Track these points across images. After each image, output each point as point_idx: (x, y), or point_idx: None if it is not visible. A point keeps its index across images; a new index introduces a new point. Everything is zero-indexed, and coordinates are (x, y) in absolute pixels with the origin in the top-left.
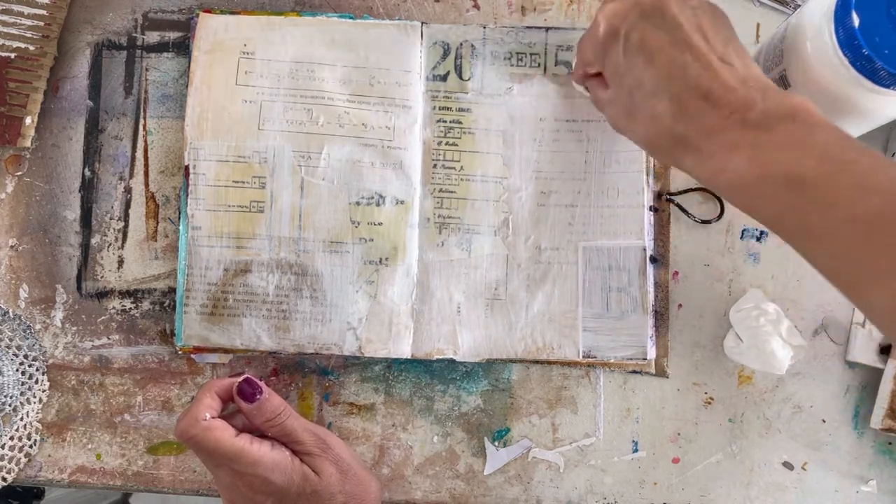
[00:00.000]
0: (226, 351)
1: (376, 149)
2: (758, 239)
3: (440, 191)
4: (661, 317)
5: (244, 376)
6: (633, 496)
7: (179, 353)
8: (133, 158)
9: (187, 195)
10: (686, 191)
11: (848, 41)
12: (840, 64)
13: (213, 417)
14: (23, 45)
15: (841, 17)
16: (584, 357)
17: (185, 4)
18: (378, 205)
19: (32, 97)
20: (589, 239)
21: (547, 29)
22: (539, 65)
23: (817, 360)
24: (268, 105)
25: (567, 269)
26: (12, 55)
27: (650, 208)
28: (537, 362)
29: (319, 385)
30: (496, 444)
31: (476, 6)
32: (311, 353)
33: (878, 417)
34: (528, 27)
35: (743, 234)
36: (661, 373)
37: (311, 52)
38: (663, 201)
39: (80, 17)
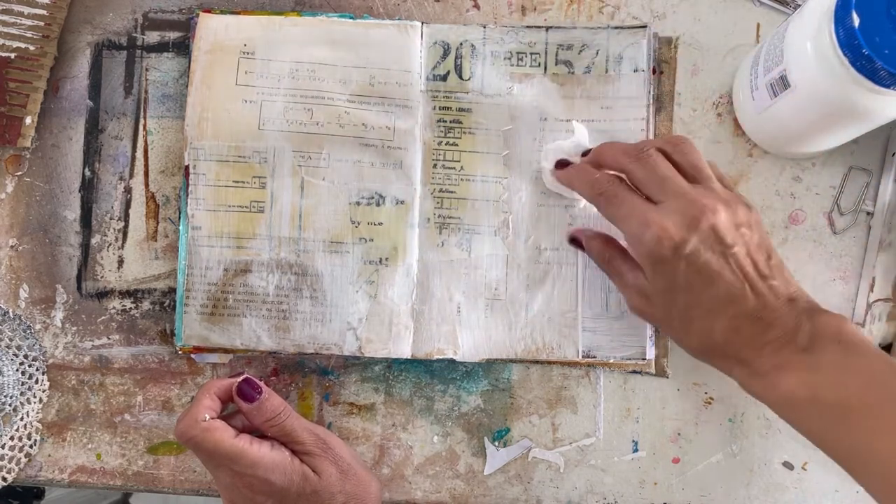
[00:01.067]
0: (226, 351)
1: (376, 149)
2: None
3: (440, 191)
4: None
5: (244, 376)
6: (633, 496)
7: (179, 353)
8: (133, 158)
9: (187, 195)
10: None
11: (848, 41)
12: (840, 64)
13: (212, 418)
14: (23, 45)
15: (841, 17)
16: (583, 357)
17: (185, 4)
18: (378, 205)
19: (32, 97)
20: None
21: (547, 28)
22: (539, 64)
23: None
24: (268, 105)
25: (567, 270)
26: (12, 55)
27: None
28: (537, 362)
29: (319, 385)
30: (496, 444)
31: (476, 6)
32: (311, 354)
33: None
34: (528, 27)
35: None
36: (660, 373)
37: (312, 52)
38: None
39: (80, 17)
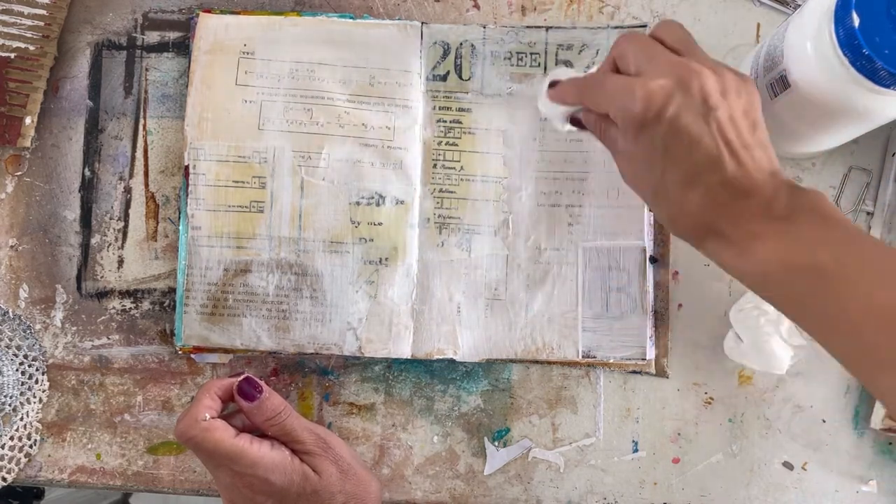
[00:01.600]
0: (226, 351)
1: (376, 149)
2: None
3: (440, 191)
4: (660, 317)
5: (244, 376)
6: (633, 496)
7: (179, 353)
8: (133, 158)
9: (187, 195)
10: None
11: (848, 41)
12: (840, 64)
13: (212, 418)
14: (23, 45)
15: (841, 17)
16: (583, 357)
17: (185, 4)
18: (378, 205)
19: (32, 97)
20: (589, 239)
21: (547, 28)
22: (539, 64)
23: (817, 359)
24: (268, 105)
25: (567, 270)
26: (12, 55)
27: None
28: (537, 362)
29: (319, 385)
30: (496, 444)
31: (476, 6)
32: (311, 354)
33: (878, 417)
34: (527, 27)
35: None
36: (661, 373)
37: (312, 52)
38: None
39: (80, 17)
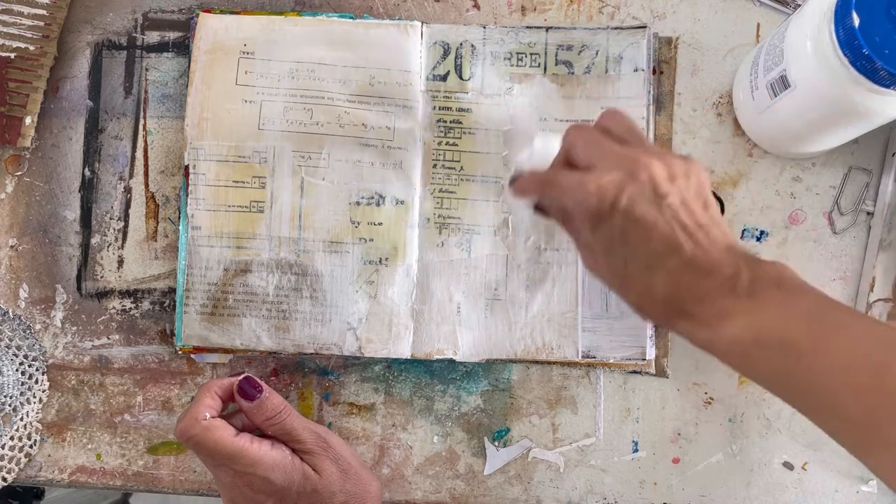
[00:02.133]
0: (226, 351)
1: (376, 149)
2: (758, 239)
3: (440, 191)
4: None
5: (244, 375)
6: (633, 496)
7: (179, 353)
8: (133, 158)
9: (187, 195)
10: None
11: (848, 41)
12: (840, 64)
13: (213, 417)
14: (23, 45)
15: (841, 17)
16: (583, 357)
17: (184, 4)
18: (378, 205)
19: (32, 97)
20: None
21: (547, 28)
22: (539, 65)
23: None
24: (268, 105)
25: (566, 270)
26: (12, 55)
27: None
28: (537, 362)
29: (319, 385)
30: (496, 444)
31: (476, 6)
32: (311, 353)
33: None
34: (527, 27)
35: (743, 234)
36: (660, 373)
37: (312, 52)
38: None
39: (80, 17)
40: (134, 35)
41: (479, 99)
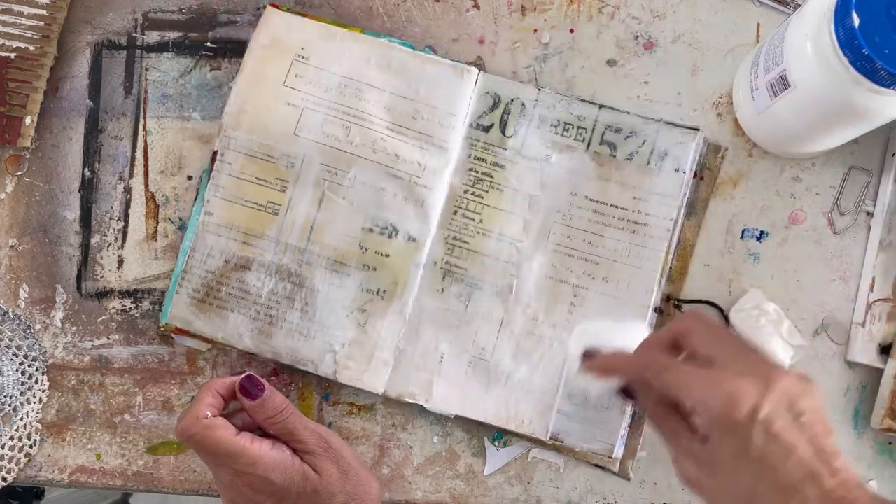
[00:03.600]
0: (205, 340)
1: (402, 181)
2: (758, 239)
3: (454, 238)
4: (637, 419)
5: (246, 374)
6: (633, 496)
7: (161, 329)
8: (133, 158)
9: (209, 179)
10: (696, 301)
11: (848, 41)
12: (840, 64)
13: (214, 416)
14: (23, 45)
15: (841, 17)
16: (551, 439)
17: (185, 4)
18: (390, 236)
19: (32, 97)
20: (587, 325)
21: (601, 106)
22: (584, 140)
23: (817, 360)
24: (309, 113)
25: (558, 348)
26: (12, 55)
27: (655, 309)
28: (505, 432)
29: (319, 385)
30: (496, 444)
31: (476, 6)
32: (286, 365)
33: (878, 417)
34: (582, 100)
35: (743, 234)
36: (623, 474)
37: (365, 71)
38: (670, 305)
39: (80, 17)
40: (134, 35)
41: (515, 158)
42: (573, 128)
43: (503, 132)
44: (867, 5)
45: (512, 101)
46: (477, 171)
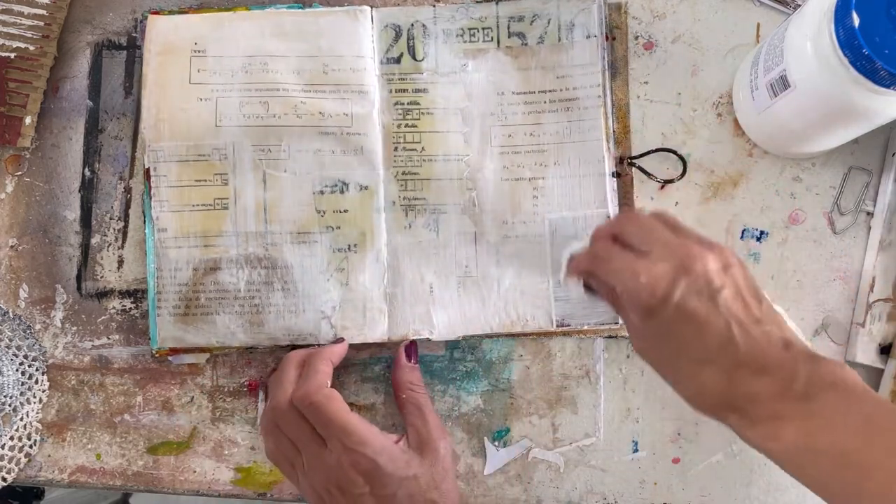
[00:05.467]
0: (202, 350)
1: (336, 136)
2: (758, 239)
3: (403, 173)
4: None
5: (410, 340)
6: (633, 496)
7: (156, 356)
8: (133, 158)
9: (150, 198)
10: (647, 153)
11: (848, 41)
12: (840, 64)
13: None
14: (23, 45)
15: (841, 17)
16: (558, 326)
17: (185, 4)
18: (342, 192)
19: (32, 97)
20: (554, 211)
21: (497, 1)
22: (492, 39)
23: None
24: (223, 101)
25: (535, 243)
26: (12, 55)
27: (612, 174)
28: (512, 335)
29: None
30: (496, 444)
31: None
32: (287, 346)
33: None
34: (477, 2)
35: (743, 233)
36: None
37: (263, 44)
38: (625, 165)
39: (80, 17)
40: (134, 35)
41: (434, 78)
42: (478, 31)
43: (414, 58)
44: (867, 5)
45: (412, 25)
46: (403, 103)
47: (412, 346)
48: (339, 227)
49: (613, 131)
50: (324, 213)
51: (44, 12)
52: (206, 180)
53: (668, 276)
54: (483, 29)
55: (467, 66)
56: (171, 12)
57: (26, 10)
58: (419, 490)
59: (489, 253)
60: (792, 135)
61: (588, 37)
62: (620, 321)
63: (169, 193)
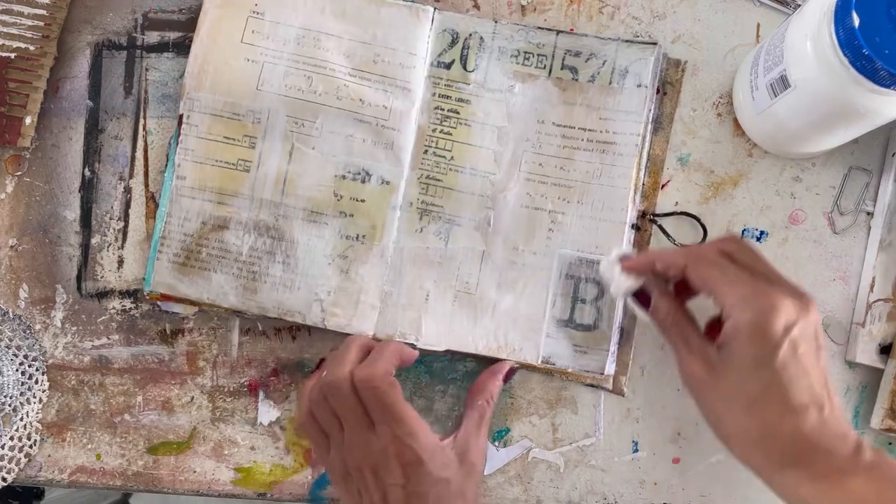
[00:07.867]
0: (191, 303)
1: (370, 126)
2: (758, 239)
3: (427, 177)
4: (626, 335)
5: (514, 365)
6: (633, 496)
7: (147, 298)
8: (133, 158)
9: (177, 144)
10: (671, 213)
11: (848, 41)
12: (840, 64)
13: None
14: (23, 45)
15: (841, 17)
16: (542, 363)
17: (185, 4)
18: (364, 181)
19: (32, 97)
20: (567, 247)
21: (558, 32)
22: (545, 67)
23: None
24: (269, 67)
25: (540, 274)
26: (12, 55)
27: (632, 226)
28: (497, 360)
29: None
30: (496, 444)
31: (476, 6)
32: (273, 318)
33: (878, 417)
34: (539, 27)
35: (743, 234)
36: (618, 391)
37: (321, 21)
38: (647, 221)
39: (80, 17)
40: (134, 35)
41: (480, 92)
42: (533, 56)
43: (465, 67)
44: (867, 5)
45: (470, 35)
46: (443, 109)
47: (512, 372)
48: (352, 215)
49: (643, 184)
50: (341, 197)
51: (44, 12)
52: (234, 139)
53: (794, 310)
54: (538, 55)
55: (514, 87)
56: None
57: (26, 10)
58: (448, 494)
59: (492, 274)
60: (792, 135)
61: (639, 86)
62: (606, 372)
63: (196, 144)
